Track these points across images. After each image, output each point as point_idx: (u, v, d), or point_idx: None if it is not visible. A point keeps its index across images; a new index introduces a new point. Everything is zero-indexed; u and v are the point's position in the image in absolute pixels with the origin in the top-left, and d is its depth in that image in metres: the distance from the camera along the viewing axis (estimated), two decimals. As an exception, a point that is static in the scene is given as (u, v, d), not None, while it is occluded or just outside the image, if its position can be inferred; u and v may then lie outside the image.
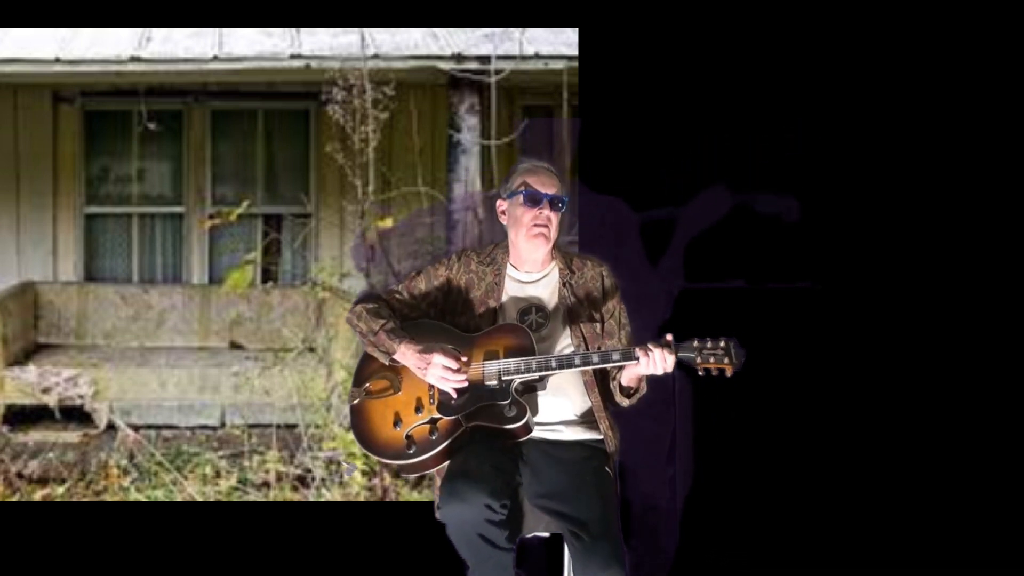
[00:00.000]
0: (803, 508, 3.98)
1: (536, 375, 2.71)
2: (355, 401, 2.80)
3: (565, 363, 2.70)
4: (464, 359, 2.72)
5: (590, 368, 2.74)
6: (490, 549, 2.57)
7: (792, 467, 3.99)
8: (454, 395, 2.71)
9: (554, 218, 2.81)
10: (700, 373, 2.65)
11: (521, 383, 2.72)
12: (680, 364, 2.66)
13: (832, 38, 4.01)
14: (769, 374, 3.95)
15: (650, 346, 2.64)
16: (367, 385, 2.81)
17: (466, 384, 2.71)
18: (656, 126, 4.08)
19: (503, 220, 2.89)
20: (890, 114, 4.01)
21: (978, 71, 3.97)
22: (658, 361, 2.63)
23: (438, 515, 2.68)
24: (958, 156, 3.98)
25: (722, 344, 2.63)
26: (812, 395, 3.98)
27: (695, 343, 2.65)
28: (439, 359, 2.70)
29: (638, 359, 2.65)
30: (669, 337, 2.66)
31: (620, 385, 2.77)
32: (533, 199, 2.80)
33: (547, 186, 2.82)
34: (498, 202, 2.90)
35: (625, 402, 2.80)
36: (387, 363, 2.77)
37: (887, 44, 4.00)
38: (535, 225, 2.80)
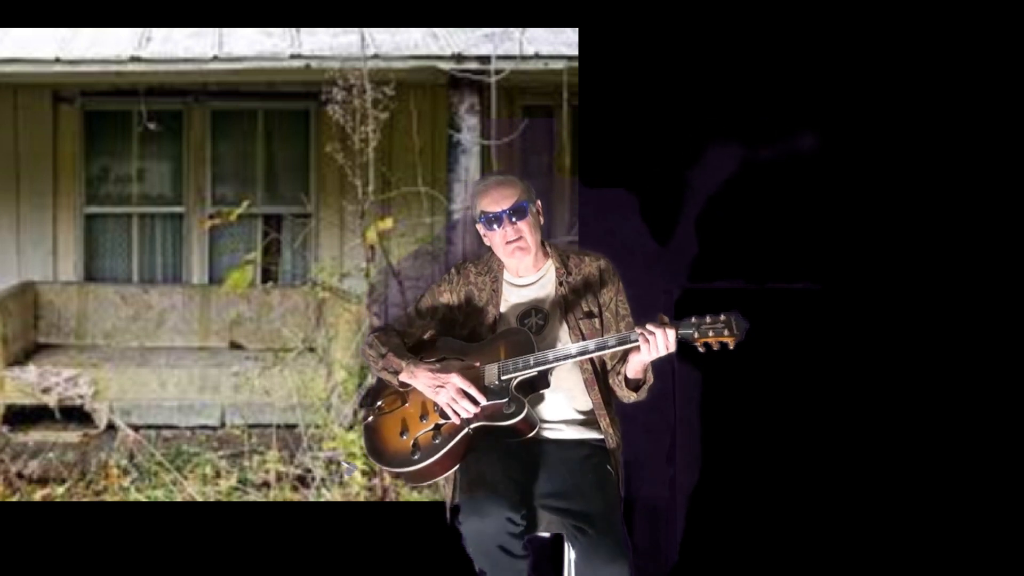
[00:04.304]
0: (803, 508, 3.98)
1: (534, 371, 2.71)
2: (369, 419, 2.85)
3: (562, 355, 2.70)
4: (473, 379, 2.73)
5: (588, 358, 2.73)
6: (508, 559, 2.59)
7: (792, 467, 3.99)
8: (467, 412, 2.71)
9: (523, 226, 2.81)
10: (700, 350, 2.59)
11: (521, 382, 2.73)
12: (681, 344, 2.61)
13: (831, 38, 4.01)
14: (769, 374, 3.96)
15: (649, 327, 2.60)
16: (380, 403, 2.86)
17: (475, 413, 2.71)
18: (656, 126, 4.08)
19: (486, 242, 2.91)
20: (891, 114, 4.02)
21: (978, 71, 3.97)
22: (660, 342, 2.59)
23: (460, 526, 2.66)
24: (959, 156, 3.98)
25: (722, 318, 2.58)
26: (812, 395, 3.98)
27: (693, 319, 2.60)
28: (457, 380, 2.71)
29: (636, 342, 2.61)
30: (665, 317, 2.62)
31: (625, 378, 2.75)
32: (491, 221, 2.82)
33: (500, 202, 2.81)
34: (477, 226, 2.91)
35: (632, 396, 2.79)
36: (396, 384, 2.80)
37: (887, 44, 4.00)
38: (507, 244, 2.82)
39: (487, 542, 2.56)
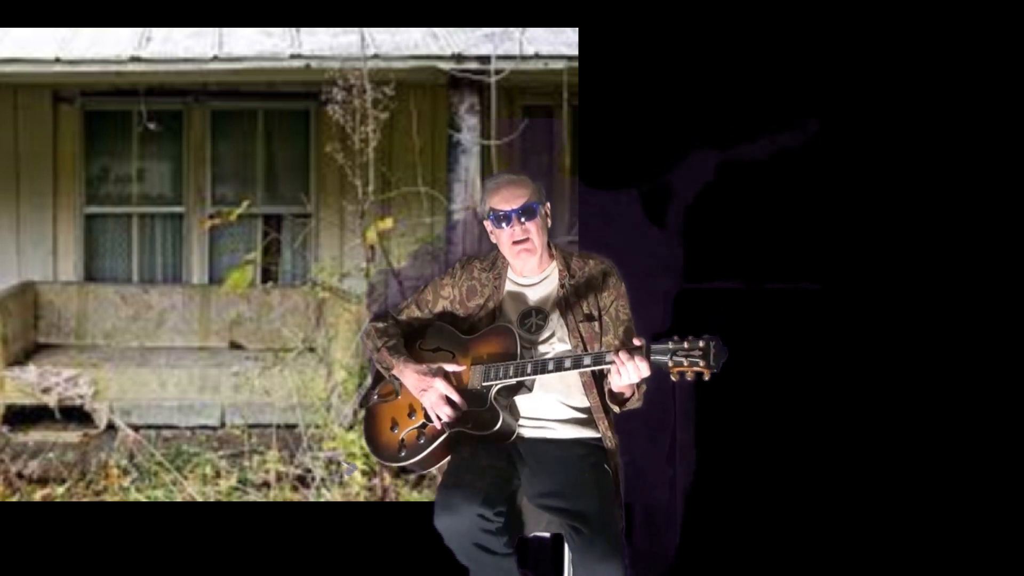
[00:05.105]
0: (803, 510, 3.97)
1: (513, 380, 2.73)
2: (369, 404, 2.92)
3: (540, 368, 2.70)
4: (459, 380, 2.78)
5: (566, 372, 2.70)
6: (488, 556, 2.60)
7: (792, 468, 3.99)
8: (448, 417, 2.75)
9: (531, 226, 2.82)
10: (674, 379, 2.48)
11: (501, 388, 2.75)
12: (656, 368, 2.51)
13: (832, 38, 4.01)
14: (769, 375, 3.95)
15: (622, 354, 2.53)
16: (377, 390, 2.92)
17: (455, 416, 2.75)
18: (656, 126, 4.08)
19: (493, 239, 2.91)
20: (893, 114, 4.02)
21: (979, 71, 3.96)
22: (631, 371, 2.53)
23: (435, 524, 2.68)
24: (961, 156, 3.98)
25: (700, 344, 2.46)
26: (812, 396, 3.98)
27: (670, 344, 2.49)
28: (441, 385, 2.75)
29: (610, 364, 2.56)
30: (639, 342, 2.54)
31: (610, 391, 2.74)
32: (500, 220, 2.83)
33: (511, 201, 2.82)
34: (484, 223, 2.92)
35: (616, 408, 2.78)
36: (389, 377, 2.87)
37: (888, 44, 4.00)
38: (514, 243, 2.83)
39: (462, 540, 2.58)
